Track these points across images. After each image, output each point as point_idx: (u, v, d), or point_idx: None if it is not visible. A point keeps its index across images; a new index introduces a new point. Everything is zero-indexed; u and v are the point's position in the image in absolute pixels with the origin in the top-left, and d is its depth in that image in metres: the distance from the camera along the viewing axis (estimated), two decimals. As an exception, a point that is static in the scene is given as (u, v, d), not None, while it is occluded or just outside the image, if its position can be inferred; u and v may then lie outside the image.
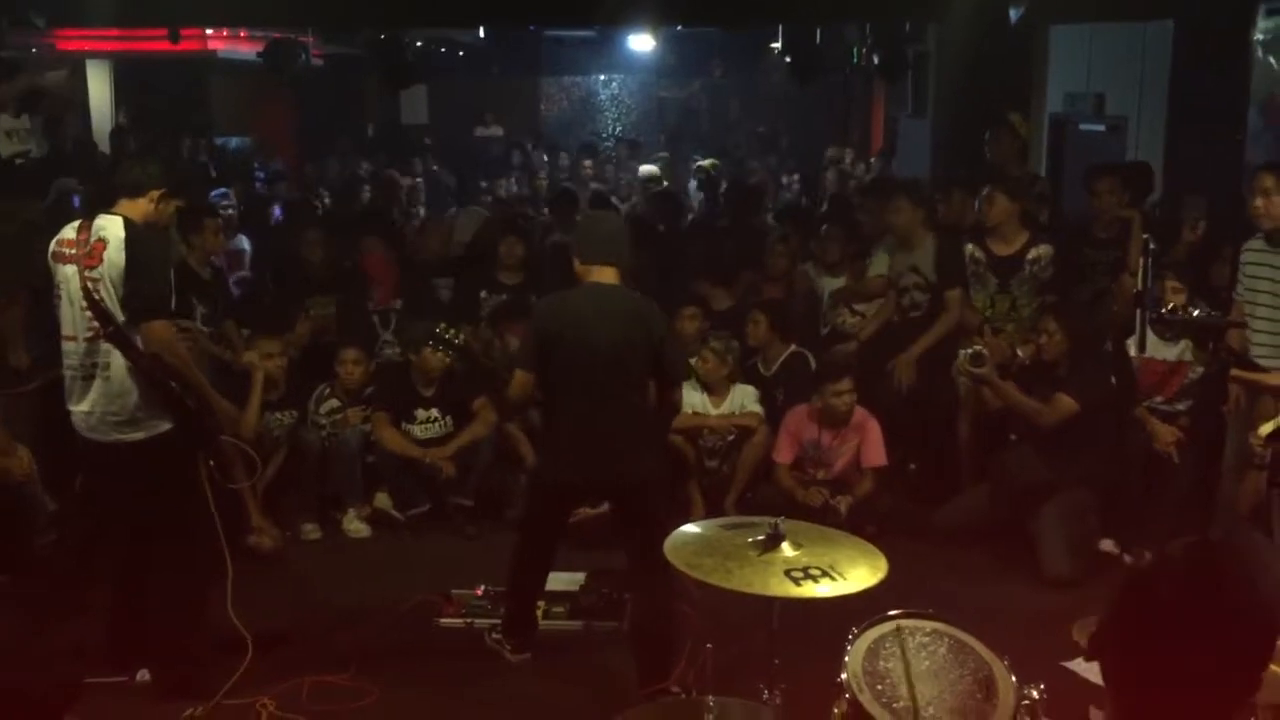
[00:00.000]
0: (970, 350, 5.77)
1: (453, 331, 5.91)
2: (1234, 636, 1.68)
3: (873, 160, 13.83)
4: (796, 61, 10.41)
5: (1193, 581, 1.72)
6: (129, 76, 13.49)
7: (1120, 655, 1.74)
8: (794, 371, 6.67)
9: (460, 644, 4.95)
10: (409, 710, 4.44)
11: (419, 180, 12.39)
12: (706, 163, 12.82)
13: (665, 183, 11.95)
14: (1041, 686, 2.87)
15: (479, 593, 5.24)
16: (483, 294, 7.17)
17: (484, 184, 12.74)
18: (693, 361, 6.31)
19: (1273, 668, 2.68)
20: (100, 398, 4.25)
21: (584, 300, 4.37)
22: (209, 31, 12.12)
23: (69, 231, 4.30)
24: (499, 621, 4.88)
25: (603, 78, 19.50)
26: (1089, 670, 2.60)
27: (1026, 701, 2.83)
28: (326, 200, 11.33)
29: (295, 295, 7.22)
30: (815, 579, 2.85)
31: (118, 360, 4.22)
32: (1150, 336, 5.47)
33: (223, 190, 10.12)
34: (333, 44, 13.61)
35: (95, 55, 12.80)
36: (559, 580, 5.10)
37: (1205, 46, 7.96)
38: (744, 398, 6.37)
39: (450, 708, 4.46)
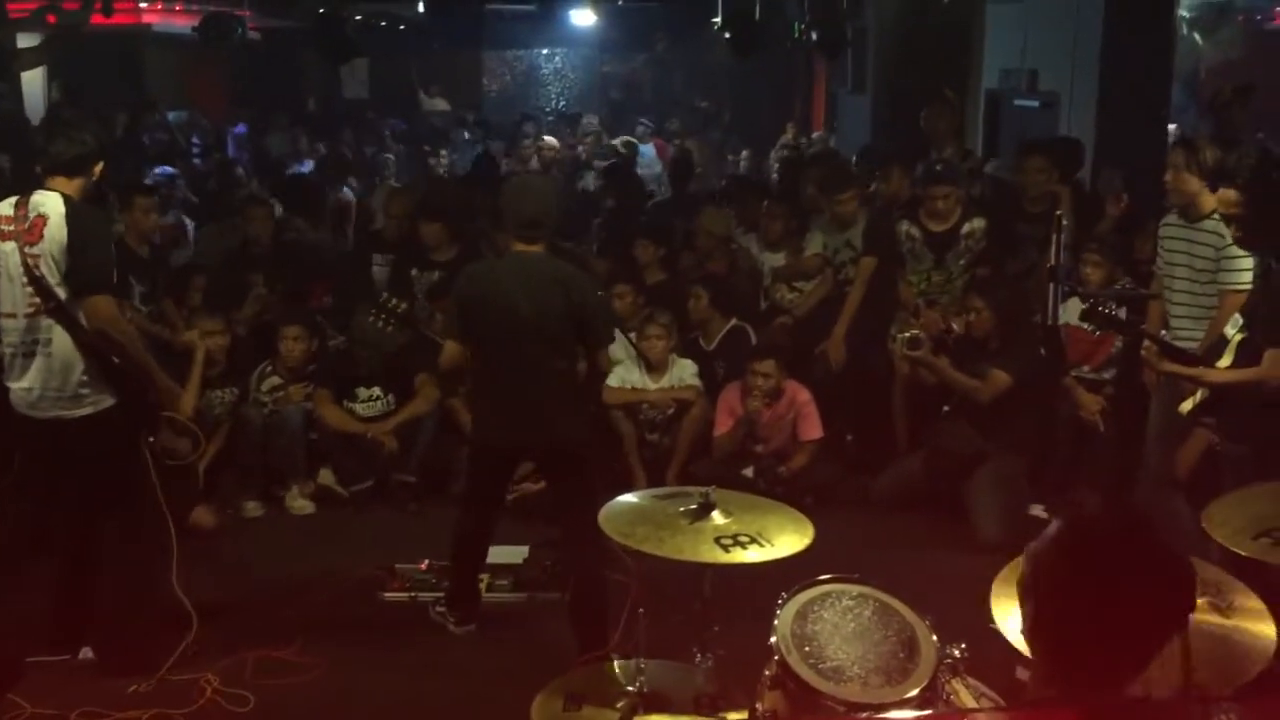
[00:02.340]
0: (908, 334, 5.92)
1: (395, 301, 5.93)
2: (1149, 593, 1.78)
3: (815, 135, 13.96)
4: (735, 36, 10.48)
5: (1112, 538, 1.82)
6: (61, 49, 13.22)
7: (1040, 607, 1.84)
8: (735, 346, 6.76)
9: (405, 617, 5.00)
10: (354, 683, 4.49)
11: (389, 156, 12.32)
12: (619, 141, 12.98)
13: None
14: (963, 646, 2.99)
15: (423, 567, 5.29)
16: (414, 272, 7.04)
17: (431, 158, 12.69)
18: (631, 336, 6.39)
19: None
20: (42, 374, 4.24)
21: (505, 269, 4.47)
22: (143, 4, 11.94)
23: (5, 208, 4.26)
24: (443, 595, 4.94)
25: (545, 52, 19.45)
26: (1015, 633, 2.71)
27: (949, 660, 2.95)
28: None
29: (241, 272, 7.17)
30: (744, 546, 2.94)
31: (60, 336, 4.21)
32: (1070, 305, 5.64)
33: (170, 170, 9.98)
34: (270, 17, 13.44)
35: (26, 26, 12.55)
36: (502, 553, 5.18)
37: (1134, 23, 8.15)
38: (682, 371, 6.45)
39: (395, 680, 4.52)
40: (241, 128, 13.78)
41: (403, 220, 7.42)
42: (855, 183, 7.05)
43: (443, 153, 13.01)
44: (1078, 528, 1.87)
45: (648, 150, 13.17)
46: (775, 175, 11.34)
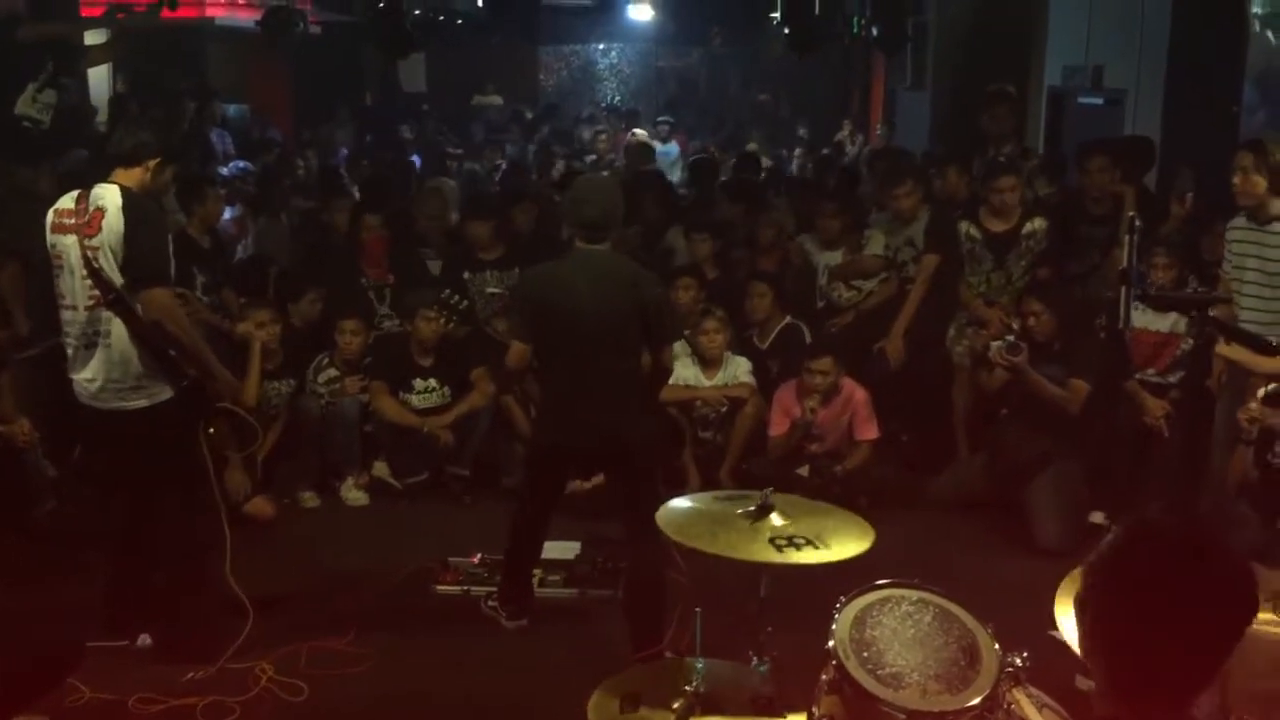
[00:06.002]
0: (1006, 340, 5.76)
1: (457, 298, 5.95)
2: (1212, 605, 1.72)
3: (877, 130, 13.83)
4: (794, 31, 10.40)
5: (1174, 548, 1.76)
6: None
7: (1099, 620, 1.79)
8: (789, 343, 6.70)
9: (457, 611, 5.01)
10: (406, 675, 4.51)
11: (414, 160, 12.33)
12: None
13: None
14: (1025, 654, 2.91)
15: (476, 560, 5.31)
16: (466, 275, 6.97)
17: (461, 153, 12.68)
18: (687, 333, 6.36)
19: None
20: (103, 365, 4.29)
21: (572, 268, 4.42)
22: (207, -2, 12.10)
23: (67, 201, 4.32)
24: (495, 589, 4.95)
25: (601, 46, 19.45)
26: (1074, 639, 2.65)
27: (1010, 669, 2.87)
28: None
29: (316, 265, 7.22)
30: (799, 547, 2.88)
31: (119, 328, 4.26)
32: (1140, 309, 5.53)
33: (244, 165, 10.08)
34: (331, 11, 13.57)
35: (96, 24, 12.74)
36: (555, 549, 5.17)
37: (1203, 19, 7.96)
38: (736, 369, 6.41)
39: (446, 673, 4.53)
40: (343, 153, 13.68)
41: (438, 219, 7.48)
42: (912, 176, 6.93)
43: (487, 152, 12.97)
44: (1133, 540, 1.81)
45: (671, 149, 12.61)
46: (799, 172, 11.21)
